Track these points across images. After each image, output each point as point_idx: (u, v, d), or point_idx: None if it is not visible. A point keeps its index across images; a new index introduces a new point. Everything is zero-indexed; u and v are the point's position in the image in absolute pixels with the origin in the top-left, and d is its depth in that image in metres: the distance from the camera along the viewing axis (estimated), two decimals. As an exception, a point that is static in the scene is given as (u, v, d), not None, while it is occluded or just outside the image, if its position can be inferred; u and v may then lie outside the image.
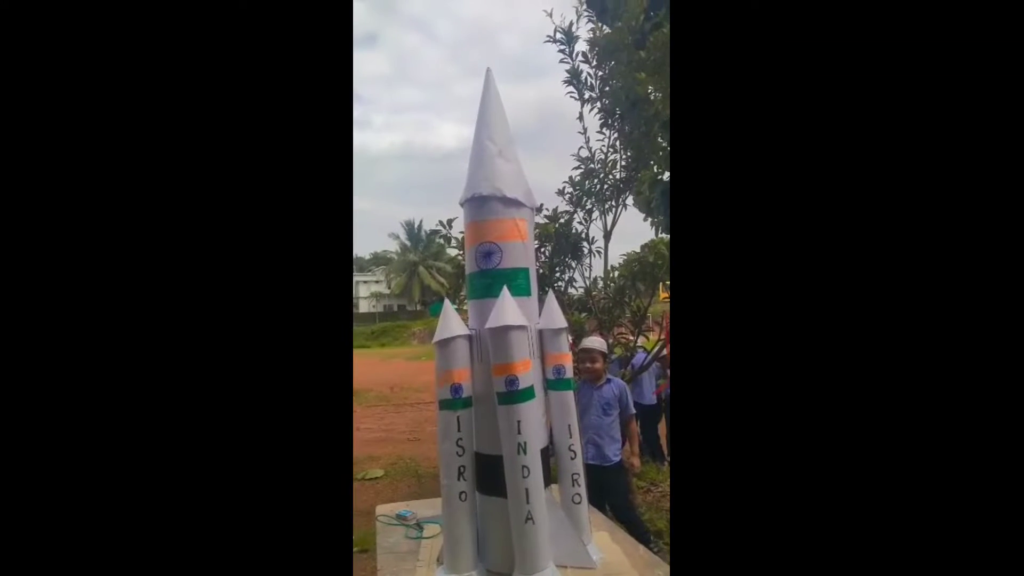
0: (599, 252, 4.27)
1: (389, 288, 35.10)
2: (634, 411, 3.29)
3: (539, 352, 2.14)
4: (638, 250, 4.05)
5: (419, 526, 2.72)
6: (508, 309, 1.95)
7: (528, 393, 1.93)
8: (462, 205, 2.15)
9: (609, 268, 4.33)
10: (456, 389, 1.98)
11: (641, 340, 4.49)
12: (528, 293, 2.09)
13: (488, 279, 2.03)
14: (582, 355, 3.13)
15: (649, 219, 4.06)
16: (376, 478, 5.32)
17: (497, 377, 1.92)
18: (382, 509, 3.19)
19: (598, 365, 3.14)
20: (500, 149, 2.07)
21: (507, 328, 1.91)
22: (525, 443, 1.89)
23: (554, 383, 2.15)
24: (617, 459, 3.16)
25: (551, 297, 2.22)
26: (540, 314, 2.18)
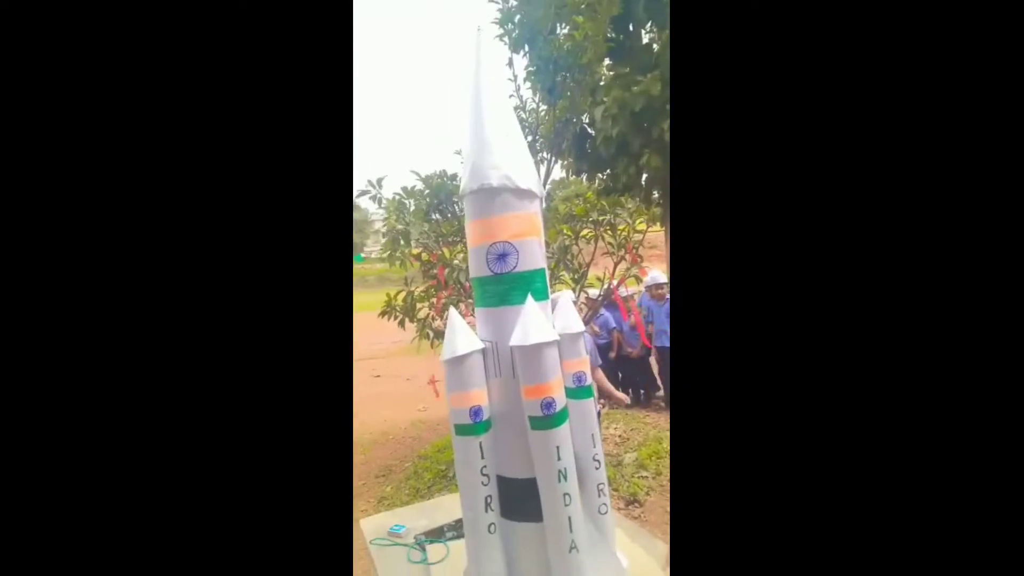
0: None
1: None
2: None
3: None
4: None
5: (422, 547, 2.54)
6: (536, 322, 1.68)
7: (563, 415, 1.72)
8: (461, 197, 1.87)
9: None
10: (476, 412, 1.72)
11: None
12: (547, 296, 1.82)
13: (504, 285, 1.73)
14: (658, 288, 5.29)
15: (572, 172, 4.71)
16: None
17: (531, 400, 1.68)
18: (368, 524, 2.78)
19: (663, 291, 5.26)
20: (506, 127, 1.76)
21: (540, 347, 1.66)
22: (565, 469, 1.69)
23: (574, 392, 1.84)
24: None
25: (565, 298, 1.92)
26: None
